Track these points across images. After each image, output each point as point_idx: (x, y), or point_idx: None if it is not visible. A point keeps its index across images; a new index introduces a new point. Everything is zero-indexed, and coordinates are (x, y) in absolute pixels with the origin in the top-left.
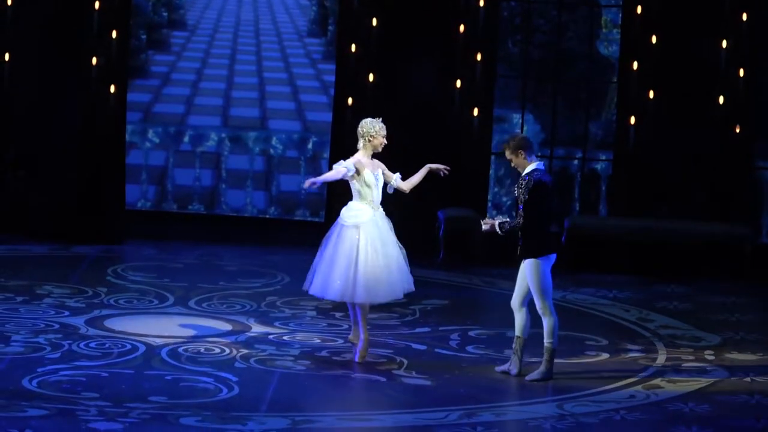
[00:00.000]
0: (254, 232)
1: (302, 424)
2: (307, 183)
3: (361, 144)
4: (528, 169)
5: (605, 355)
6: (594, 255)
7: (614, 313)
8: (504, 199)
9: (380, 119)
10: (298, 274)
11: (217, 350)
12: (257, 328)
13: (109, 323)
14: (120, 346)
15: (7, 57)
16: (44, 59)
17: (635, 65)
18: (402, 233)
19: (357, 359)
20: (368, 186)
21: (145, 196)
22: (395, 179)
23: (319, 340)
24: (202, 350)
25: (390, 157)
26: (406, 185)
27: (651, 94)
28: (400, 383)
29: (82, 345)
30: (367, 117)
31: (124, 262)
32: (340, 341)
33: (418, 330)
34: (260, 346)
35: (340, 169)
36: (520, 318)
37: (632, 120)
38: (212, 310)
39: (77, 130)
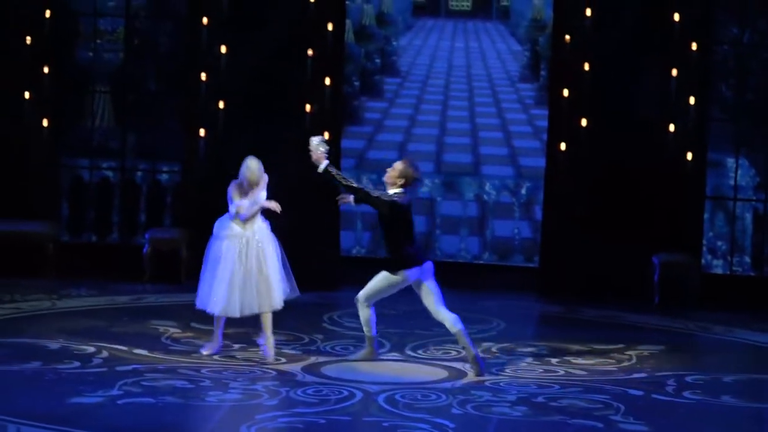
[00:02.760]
0: (469, 277)
1: None
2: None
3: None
4: (392, 191)
5: None
6: None
7: None
8: (719, 243)
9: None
10: (514, 319)
11: (434, 396)
12: (473, 374)
13: (326, 370)
14: (337, 392)
15: (221, 105)
16: (258, 106)
17: None
18: (617, 278)
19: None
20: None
21: (360, 243)
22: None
23: (535, 386)
24: (419, 396)
25: (603, 200)
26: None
27: None
28: (617, 429)
29: (299, 392)
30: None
31: (340, 308)
32: (557, 387)
33: (634, 375)
34: (477, 392)
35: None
36: (445, 317)
37: None
38: (428, 357)
39: (292, 176)
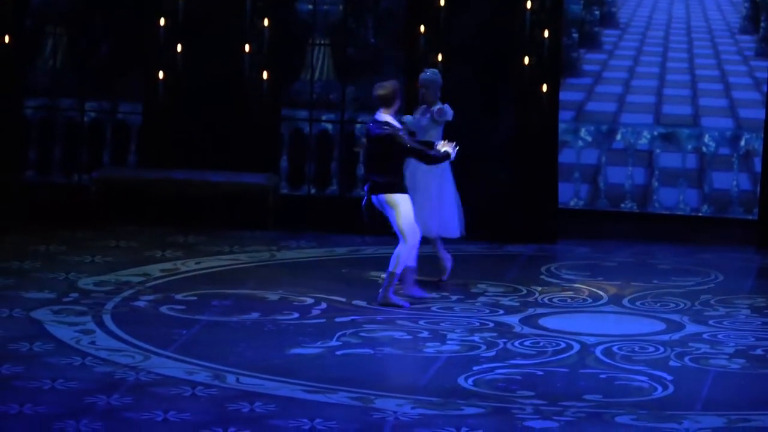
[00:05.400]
0: (687, 230)
1: (738, 423)
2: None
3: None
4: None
5: None
6: None
7: None
8: None
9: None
10: (732, 272)
11: (651, 349)
12: (691, 327)
13: (543, 322)
14: (554, 344)
15: (440, 58)
16: (476, 59)
17: None
18: None
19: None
20: None
21: (577, 195)
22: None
23: (753, 339)
24: (637, 349)
25: None
26: None
27: None
28: None
29: (516, 343)
30: None
31: (558, 260)
32: None
33: None
34: (694, 345)
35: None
36: None
37: None
38: (646, 309)
39: (510, 129)
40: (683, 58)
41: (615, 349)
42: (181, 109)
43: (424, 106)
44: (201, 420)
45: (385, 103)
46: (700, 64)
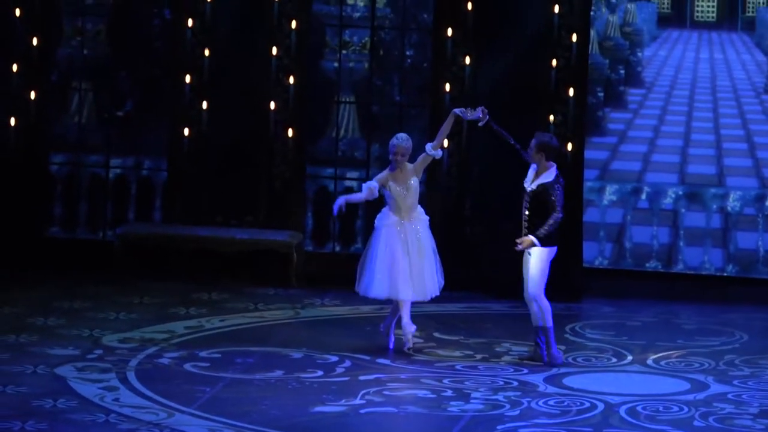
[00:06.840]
0: (712, 290)
1: None
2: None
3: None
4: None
5: None
6: None
7: None
8: None
9: (404, 134)
10: (757, 332)
11: (676, 408)
12: (716, 387)
13: (567, 381)
14: (579, 403)
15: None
16: (502, 116)
17: None
18: None
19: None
20: (394, 197)
21: (602, 254)
22: (428, 150)
23: None
24: (661, 408)
25: None
26: (436, 144)
27: None
28: None
29: (540, 402)
30: None
31: (582, 319)
32: None
33: None
34: (719, 405)
35: (366, 191)
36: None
37: None
38: (670, 368)
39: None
40: (708, 117)
41: (639, 408)
42: (205, 166)
43: (396, 170)
44: None
45: None
46: (725, 123)
